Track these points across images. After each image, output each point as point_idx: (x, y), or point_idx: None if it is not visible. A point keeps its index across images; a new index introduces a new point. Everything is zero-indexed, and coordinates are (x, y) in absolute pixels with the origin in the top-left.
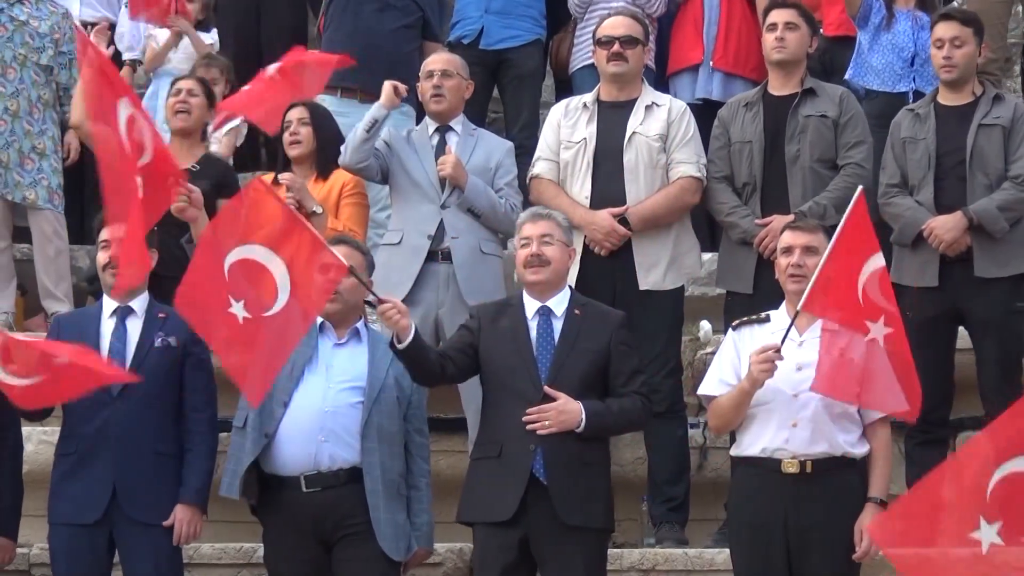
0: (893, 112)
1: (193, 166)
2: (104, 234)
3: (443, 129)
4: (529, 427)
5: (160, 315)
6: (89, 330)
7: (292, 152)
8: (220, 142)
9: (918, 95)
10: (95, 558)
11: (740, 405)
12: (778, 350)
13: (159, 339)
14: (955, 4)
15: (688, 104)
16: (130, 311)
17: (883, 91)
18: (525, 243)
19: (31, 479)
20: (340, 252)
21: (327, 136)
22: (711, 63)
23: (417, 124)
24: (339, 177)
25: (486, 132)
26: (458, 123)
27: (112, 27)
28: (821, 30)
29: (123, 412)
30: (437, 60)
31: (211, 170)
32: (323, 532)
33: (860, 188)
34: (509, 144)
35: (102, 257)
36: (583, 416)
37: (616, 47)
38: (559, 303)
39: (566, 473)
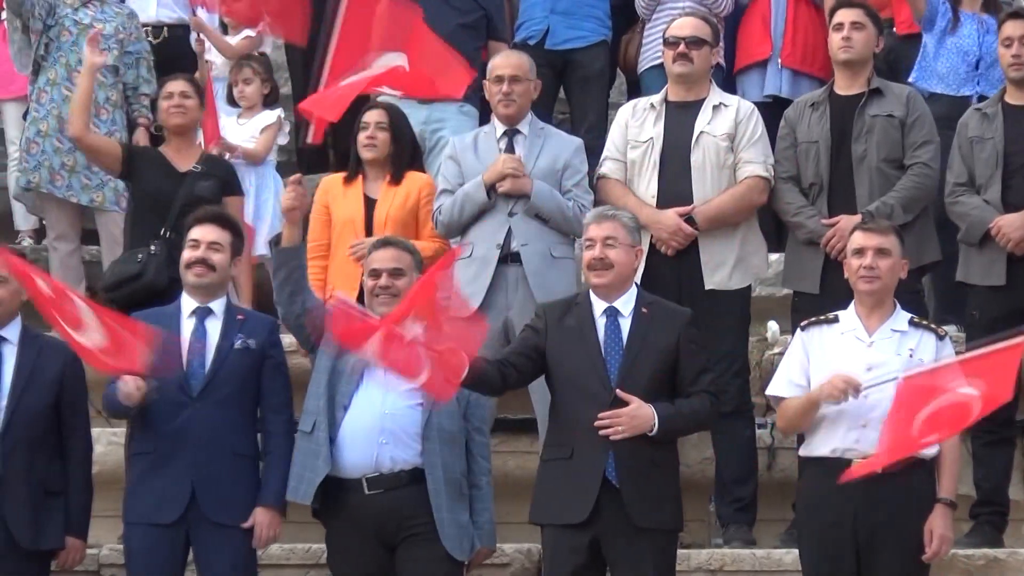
0: (957, 115)
1: (195, 166)
2: (194, 233)
3: (511, 132)
4: (602, 432)
5: (239, 316)
6: (168, 329)
7: (367, 155)
8: (256, 140)
9: (982, 99)
10: (172, 558)
11: (807, 413)
12: (859, 390)
13: (239, 341)
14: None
15: (756, 102)
16: (209, 312)
17: (947, 94)
18: (589, 245)
19: (101, 480)
20: (387, 255)
21: (403, 140)
22: (779, 60)
23: (480, 123)
24: (414, 182)
25: (554, 130)
26: (525, 124)
27: (187, 28)
28: (893, 28)
29: (202, 413)
30: (506, 64)
31: (215, 169)
32: (386, 534)
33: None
34: (578, 141)
35: (187, 255)
36: (655, 420)
37: (682, 47)
38: (626, 303)
39: (637, 476)
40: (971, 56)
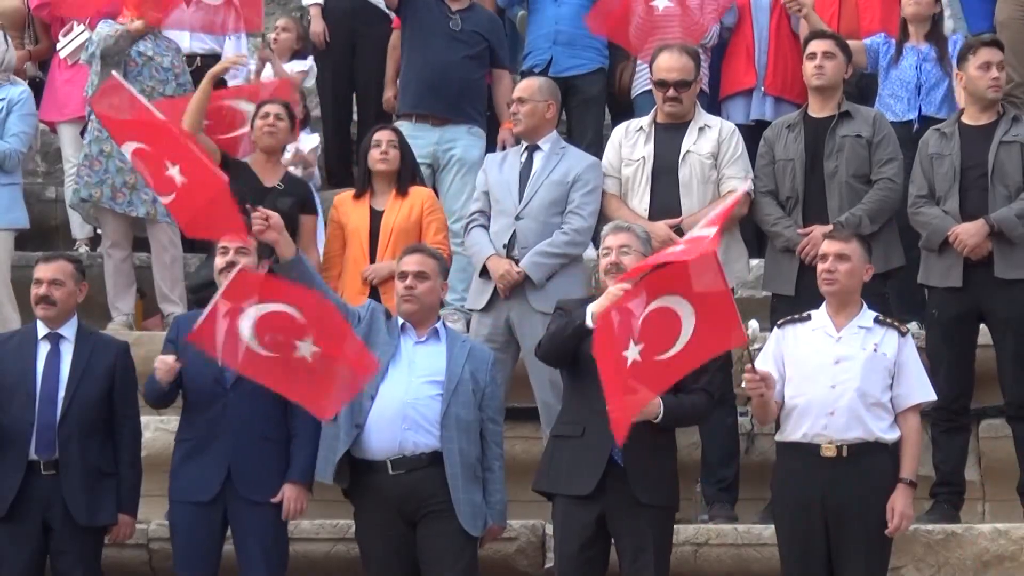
0: (904, 137)
1: (279, 184)
2: (224, 241)
3: (532, 148)
4: None
5: None
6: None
7: (380, 168)
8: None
9: (924, 119)
10: (211, 532)
11: (759, 409)
12: (756, 371)
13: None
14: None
15: (741, 124)
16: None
17: (894, 121)
18: (606, 252)
19: (149, 463)
20: (413, 259)
21: (407, 158)
22: (763, 88)
23: (487, 144)
24: (417, 196)
25: (573, 149)
26: (547, 141)
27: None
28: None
29: (236, 402)
30: (516, 88)
31: (294, 189)
32: (407, 511)
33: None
34: (592, 160)
35: (219, 261)
36: (661, 409)
37: (671, 91)
38: None
39: (641, 457)
40: (911, 84)
